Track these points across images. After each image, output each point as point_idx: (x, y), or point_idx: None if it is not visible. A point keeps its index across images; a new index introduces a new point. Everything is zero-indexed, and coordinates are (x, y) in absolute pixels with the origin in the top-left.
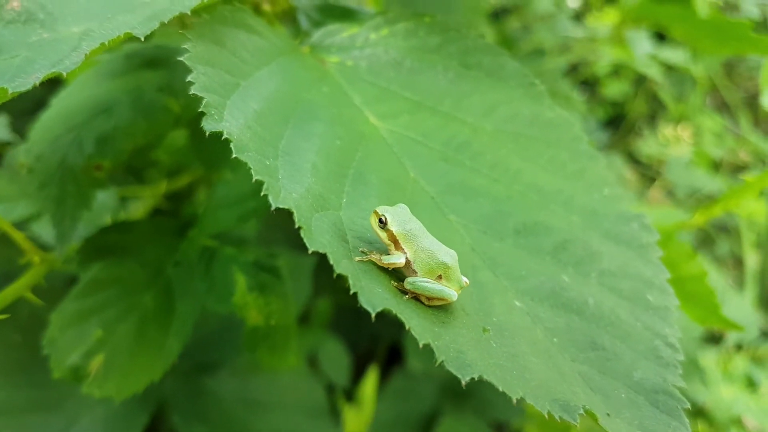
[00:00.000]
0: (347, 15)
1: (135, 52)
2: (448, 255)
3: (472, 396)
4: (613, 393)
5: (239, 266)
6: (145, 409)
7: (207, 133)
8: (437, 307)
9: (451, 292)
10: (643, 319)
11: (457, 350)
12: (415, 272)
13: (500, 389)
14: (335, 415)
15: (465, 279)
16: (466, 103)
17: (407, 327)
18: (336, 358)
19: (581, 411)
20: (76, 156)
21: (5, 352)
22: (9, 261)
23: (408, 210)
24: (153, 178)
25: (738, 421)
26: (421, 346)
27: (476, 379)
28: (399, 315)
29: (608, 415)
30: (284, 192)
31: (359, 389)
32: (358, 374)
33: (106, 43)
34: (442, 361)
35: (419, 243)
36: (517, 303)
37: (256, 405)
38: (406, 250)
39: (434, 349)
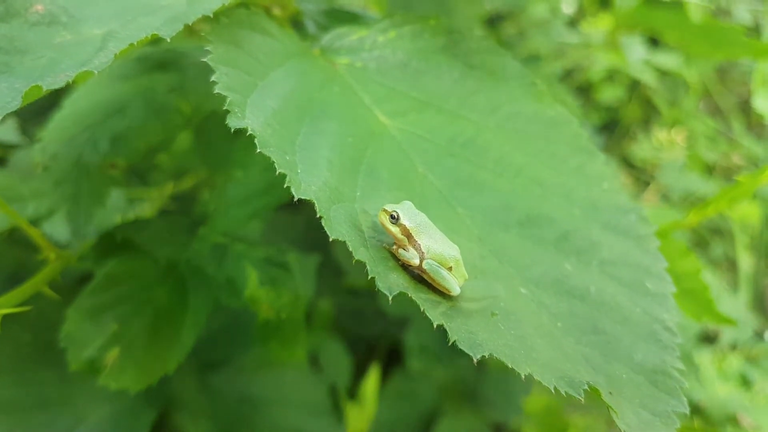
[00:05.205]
0: (353, 19)
1: (146, 55)
2: (455, 249)
3: (471, 397)
4: (615, 373)
5: (251, 261)
6: (153, 406)
7: (215, 135)
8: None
9: (456, 286)
10: (643, 305)
11: (469, 331)
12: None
13: (509, 366)
14: (338, 413)
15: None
16: (470, 101)
17: (422, 309)
18: (337, 359)
19: (585, 386)
20: (92, 154)
21: (15, 350)
22: (18, 261)
23: (413, 205)
24: (157, 180)
25: (733, 419)
26: (435, 326)
27: (487, 356)
28: (414, 298)
29: (610, 393)
30: (304, 185)
31: (361, 387)
32: (358, 375)
33: (135, 43)
34: (455, 341)
35: (431, 236)
36: (523, 290)
37: (261, 403)
38: (419, 243)
39: (447, 330)
